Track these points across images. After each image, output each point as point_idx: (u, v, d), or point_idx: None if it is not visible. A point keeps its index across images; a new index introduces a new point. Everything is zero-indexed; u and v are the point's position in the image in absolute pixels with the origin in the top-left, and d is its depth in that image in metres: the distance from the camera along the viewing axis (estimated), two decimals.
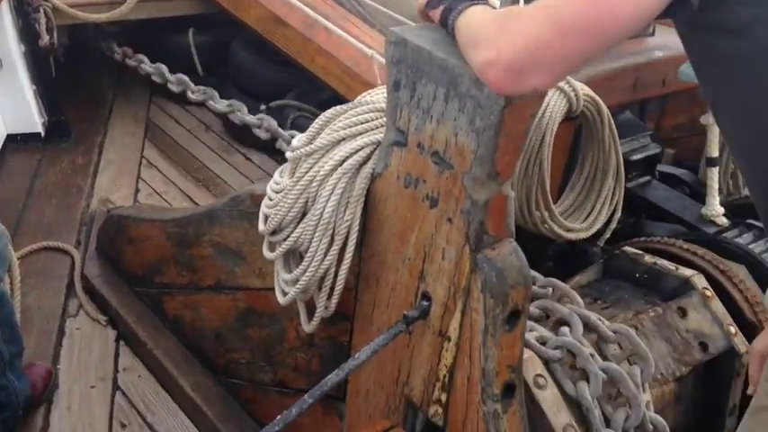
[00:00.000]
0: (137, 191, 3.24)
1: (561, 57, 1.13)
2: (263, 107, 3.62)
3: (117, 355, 2.36)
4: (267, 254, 1.70)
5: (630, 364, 1.79)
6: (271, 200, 1.64)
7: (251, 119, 3.33)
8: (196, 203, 3.14)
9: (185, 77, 3.54)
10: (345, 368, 1.46)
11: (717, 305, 1.95)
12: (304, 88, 3.59)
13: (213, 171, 3.48)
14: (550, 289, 1.93)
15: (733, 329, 1.93)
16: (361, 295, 1.73)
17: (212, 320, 2.20)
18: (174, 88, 3.54)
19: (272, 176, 1.67)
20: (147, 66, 3.63)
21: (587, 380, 1.70)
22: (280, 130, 3.27)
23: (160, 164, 3.46)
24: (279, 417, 1.29)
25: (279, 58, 3.48)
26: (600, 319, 1.84)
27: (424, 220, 1.52)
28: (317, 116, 1.62)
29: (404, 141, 1.50)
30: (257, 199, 1.85)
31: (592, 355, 1.74)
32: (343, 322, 1.81)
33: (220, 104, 3.42)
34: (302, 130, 2.01)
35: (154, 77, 3.61)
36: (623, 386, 1.73)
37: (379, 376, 1.74)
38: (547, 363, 1.71)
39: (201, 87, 3.51)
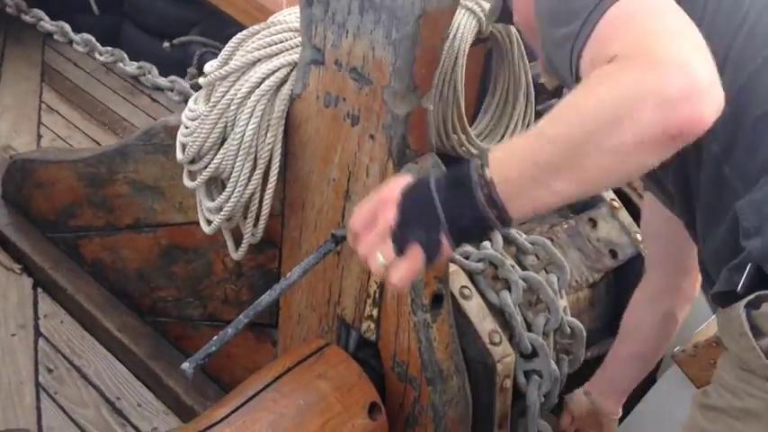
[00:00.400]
0: (39, 137, 3.09)
1: None
2: (166, 45, 3.48)
3: (36, 303, 2.29)
4: (188, 183, 1.67)
5: (548, 273, 1.88)
6: (187, 128, 1.61)
7: (163, 82, 3.25)
8: None
9: (91, 38, 3.39)
10: (278, 288, 1.47)
11: (624, 215, 2.06)
12: (208, 23, 3.46)
13: (119, 114, 3.34)
14: None
15: (639, 236, 2.04)
16: (288, 220, 1.74)
17: (134, 260, 2.16)
18: (80, 49, 3.39)
19: None
20: (47, 24, 3.44)
21: (509, 289, 1.78)
22: (193, 91, 3.20)
23: (61, 108, 3.29)
24: (215, 337, 1.30)
25: None
26: (518, 233, 1.91)
27: (347, 138, 1.53)
28: None
29: (321, 59, 1.49)
30: (172, 130, 1.80)
31: (512, 266, 1.82)
32: (270, 249, 1.81)
33: (130, 67, 3.32)
34: None
35: (56, 36, 3.43)
36: (542, 293, 1.82)
37: (310, 299, 1.77)
38: (471, 275, 1.77)
39: (110, 48, 3.38)
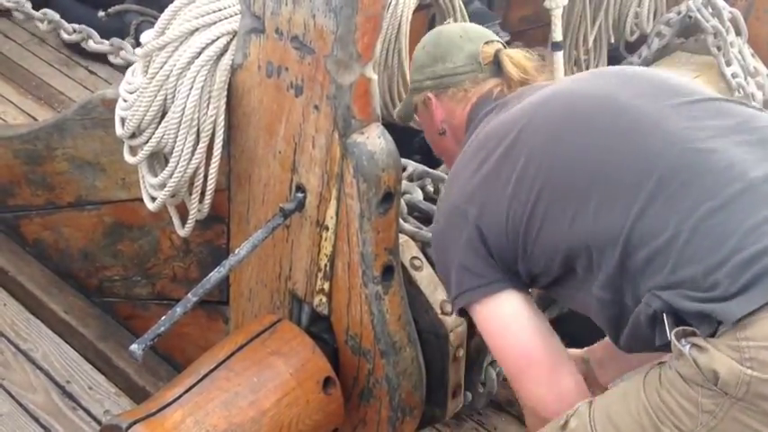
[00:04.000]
0: None
1: None
2: (101, 14, 3.35)
3: None
4: (129, 158, 1.62)
5: None
6: (125, 101, 1.55)
7: (105, 47, 3.10)
8: None
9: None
10: (227, 264, 1.45)
11: None
12: None
13: (55, 87, 3.22)
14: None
15: None
16: (234, 195, 1.70)
17: (78, 240, 2.10)
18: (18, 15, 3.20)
19: None
20: None
21: None
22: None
23: None
24: (164, 317, 1.27)
25: None
26: None
27: (291, 109, 1.50)
28: None
29: (261, 28, 1.45)
30: (110, 104, 1.74)
31: None
32: (218, 225, 1.77)
33: (67, 32, 3.13)
34: None
35: None
36: None
37: (261, 274, 1.74)
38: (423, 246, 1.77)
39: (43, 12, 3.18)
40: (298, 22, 1.39)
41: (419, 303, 1.68)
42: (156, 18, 3.26)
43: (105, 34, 3.26)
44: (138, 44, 1.65)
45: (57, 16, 3.13)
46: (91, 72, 3.31)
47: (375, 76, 1.45)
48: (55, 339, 2.10)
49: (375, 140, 1.48)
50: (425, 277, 1.71)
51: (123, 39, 3.21)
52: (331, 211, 1.54)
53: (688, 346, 1.22)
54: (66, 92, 3.19)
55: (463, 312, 1.49)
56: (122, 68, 3.17)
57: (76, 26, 3.19)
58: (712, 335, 1.22)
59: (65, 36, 3.20)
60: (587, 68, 2.62)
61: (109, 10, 3.32)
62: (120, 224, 1.98)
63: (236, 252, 1.50)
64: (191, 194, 1.64)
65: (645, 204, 1.27)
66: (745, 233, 1.21)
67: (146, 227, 1.93)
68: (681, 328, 1.23)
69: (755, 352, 1.18)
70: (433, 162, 2.20)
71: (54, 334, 2.12)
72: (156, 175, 1.61)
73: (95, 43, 3.16)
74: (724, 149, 1.27)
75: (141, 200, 1.72)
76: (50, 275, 2.19)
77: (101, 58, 3.27)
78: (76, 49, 3.31)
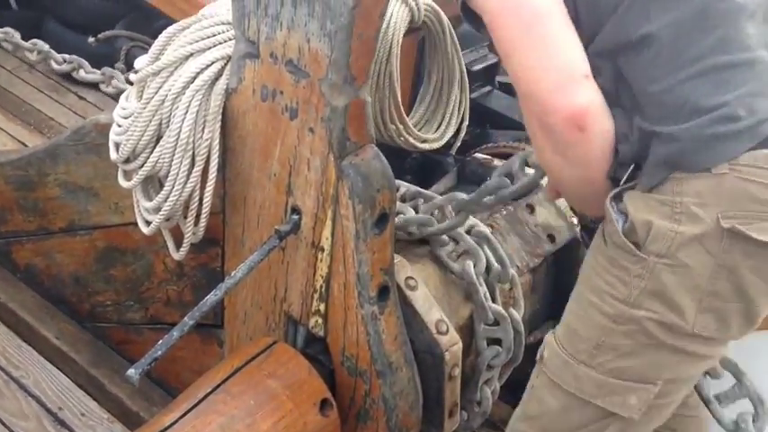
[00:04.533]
0: None
1: None
2: (91, 40, 3.37)
3: None
4: (123, 183, 1.63)
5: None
6: (120, 126, 1.56)
7: (96, 76, 3.12)
8: None
9: (11, 30, 3.22)
10: (223, 287, 1.45)
11: (560, 200, 2.09)
12: (135, 17, 3.37)
13: (45, 113, 3.21)
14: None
15: (575, 220, 2.07)
16: (230, 218, 1.71)
17: (69, 265, 2.09)
18: (7, 46, 3.22)
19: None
20: None
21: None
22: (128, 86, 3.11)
23: None
24: (160, 341, 1.27)
25: None
26: None
27: (286, 132, 1.51)
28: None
29: (255, 52, 1.47)
30: (103, 128, 1.74)
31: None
32: (213, 248, 1.78)
33: (57, 62, 3.16)
34: None
35: None
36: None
37: (256, 297, 1.74)
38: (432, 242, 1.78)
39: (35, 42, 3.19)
40: (292, 47, 1.41)
41: (414, 323, 1.69)
42: (147, 43, 3.30)
43: (95, 60, 3.30)
44: (128, 69, 1.66)
45: (46, 47, 3.16)
46: (81, 98, 3.31)
47: (369, 99, 1.47)
48: (46, 366, 2.08)
49: (370, 162, 1.49)
50: (420, 297, 1.72)
51: (113, 64, 3.26)
52: (326, 233, 1.55)
53: (621, 220, 1.33)
54: (56, 117, 3.18)
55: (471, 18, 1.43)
56: (113, 94, 3.22)
57: (67, 56, 3.25)
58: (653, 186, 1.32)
59: (55, 66, 3.24)
60: None
61: (99, 36, 3.34)
62: (112, 249, 1.98)
63: (232, 275, 1.50)
64: (186, 218, 1.65)
65: (679, 20, 1.31)
66: (741, 96, 1.29)
67: (139, 251, 1.93)
68: (614, 192, 1.34)
69: (686, 207, 1.29)
70: (424, 182, 2.22)
71: (45, 360, 2.09)
72: (150, 200, 1.62)
73: (86, 73, 3.22)
74: (757, 34, 1.35)
75: (134, 224, 1.73)
76: (42, 302, 2.18)
77: (91, 84, 3.31)
78: (66, 75, 3.35)
